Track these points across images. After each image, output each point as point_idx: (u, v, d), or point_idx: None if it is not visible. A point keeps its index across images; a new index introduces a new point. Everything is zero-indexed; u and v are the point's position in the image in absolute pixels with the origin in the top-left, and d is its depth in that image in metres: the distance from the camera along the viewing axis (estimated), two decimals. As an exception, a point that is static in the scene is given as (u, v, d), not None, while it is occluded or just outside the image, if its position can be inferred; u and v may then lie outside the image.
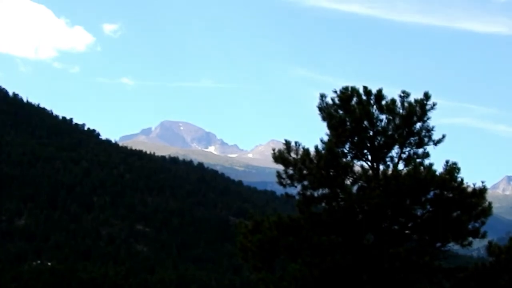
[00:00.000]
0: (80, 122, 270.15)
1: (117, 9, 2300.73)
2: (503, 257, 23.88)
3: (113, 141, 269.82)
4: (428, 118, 24.52)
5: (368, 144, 24.44)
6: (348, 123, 24.32)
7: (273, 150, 25.17)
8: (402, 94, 24.46)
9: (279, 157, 24.73)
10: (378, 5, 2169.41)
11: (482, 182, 24.36)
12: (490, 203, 24.66)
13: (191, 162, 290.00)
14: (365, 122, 24.35)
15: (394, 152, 24.55)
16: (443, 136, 24.65)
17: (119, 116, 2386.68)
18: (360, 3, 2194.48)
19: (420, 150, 24.56)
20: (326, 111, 24.70)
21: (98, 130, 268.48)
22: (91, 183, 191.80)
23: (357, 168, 24.42)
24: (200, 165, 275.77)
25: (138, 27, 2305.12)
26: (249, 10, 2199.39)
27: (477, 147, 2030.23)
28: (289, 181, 24.79)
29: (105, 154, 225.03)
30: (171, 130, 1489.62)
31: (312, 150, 23.96)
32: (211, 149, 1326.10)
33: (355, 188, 24.31)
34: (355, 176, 24.29)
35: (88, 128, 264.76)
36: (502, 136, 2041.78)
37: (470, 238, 24.31)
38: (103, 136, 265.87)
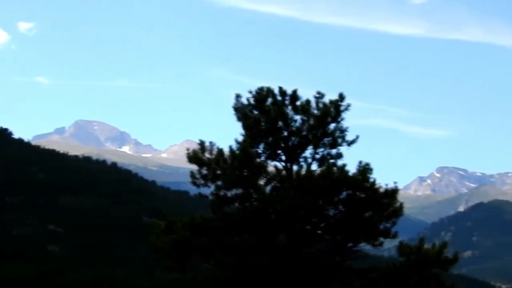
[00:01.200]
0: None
1: (33, 7, 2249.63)
2: (413, 257, 24.32)
3: (25, 140, 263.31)
4: (342, 119, 24.77)
5: (283, 145, 24.52)
6: (263, 124, 24.39)
7: (187, 150, 25.04)
8: (317, 95, 24.64)
9: (193, 157, 24.65)
10: (296, 6, 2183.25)
11: (394, 183, 24.82)
12: (401, 204, 25.06)
13: (104, 161, 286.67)
14: (280, 123, 24.44)
15: (308, 152, 24.71)
16: (357, 137, 24.98)
17: (33, 116, 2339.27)
18: (278, 4, 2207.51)
19: (334, 151, 24.76)
20: (241, 111, 24.69)
21: (11, 129, 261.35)
22: (3, 183, 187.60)
23: (271, 168, 24.47)
24: (114, 164, 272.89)
25: (54, 25, 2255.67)
26: (167, 9, 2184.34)
27: (390, 148, 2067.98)
28: (202, 181, 24.70)
29: (17, 154, 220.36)
30: (85, 130, 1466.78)
31: (226, 151, 23.91)
32: (125, 149, 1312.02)
33: (268, 188, 24.38)
34: (268, 177, 24.40)
35: (1, 127, 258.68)
36: (414, 137, 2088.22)
37: (382, 238, 24.68)
38: (16, 135, 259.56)
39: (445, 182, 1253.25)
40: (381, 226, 24.58)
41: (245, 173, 23.78)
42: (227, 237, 23.35)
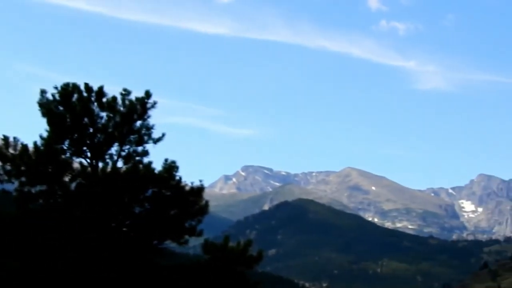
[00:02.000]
0: None
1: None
2: (219, 255, 24.81)
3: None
4: (148, 117, 24.94)
5: (88, 141, 24.37)
6: (68, 120, 24.12)
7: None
8: (123, 92, 24.67)
9: (-4, 152, 23.84)
10: (103, 2, 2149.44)
11: (200, 181, 25.28)
12: (207, 202, 25.58)
13: None
14: (86, 119, 24.28)
15: (114, 149, 24.69)
16: (163, 135, 25.25)
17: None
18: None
19: (140, 148, 24.89)
20: (46, 107, 24.25)
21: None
22: None
23: (76, 165, 24.18)
24: None
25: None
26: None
27: (196, 146, 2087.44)
28: (6, 177, 24.02)
29: None
30: None
31: (31, 146, 23.33)
32: None
33: (73, 185, 24.04)
34: (74, 173, 24.13)
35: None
36: (220, 136, 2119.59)
37: (187, 236, 25.06)
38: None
39: (250, 180, 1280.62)
40: (187, 224, 24.94)
41: (49, 169, 23.43)
42: (31, 234, 22.83)
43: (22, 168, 23.40)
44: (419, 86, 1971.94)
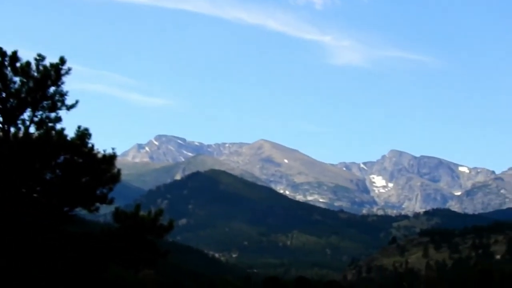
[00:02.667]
0: None
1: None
2: (129, 224, 25.07)
3: None
4: (62, 83, 24.66)
5: (0, 106, 23.91)
6: (-21, 83, 23.64)
7: None
8: (37, 57, 24.35)
9: None
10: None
11: (112, 149, 25.35)
12: (119, 170, 25.70)
13: None
14: (-2, 84, 23.79)
15: (27, 115, 24.35)
16: (77, 102, 25.08)
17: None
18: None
19: (53, 114, 24.60)
20: None
21: None
22: None
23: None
24: None
25: None
26: None
27: (109, 114, 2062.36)
28: None
29: None
30: None
31: None
32: None
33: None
34: (-15, 138, 23.73)
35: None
36: (134, 104, 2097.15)
37: (98, 204, 25.08)
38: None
39: (163, 150, 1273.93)
40: (98, 192, 24.99)
41: None
42: None
43: None
44: (334, 61, 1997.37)
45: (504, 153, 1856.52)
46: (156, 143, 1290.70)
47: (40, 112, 24.63)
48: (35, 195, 24.80)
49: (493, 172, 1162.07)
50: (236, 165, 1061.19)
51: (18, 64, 24.25)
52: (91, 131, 24.79)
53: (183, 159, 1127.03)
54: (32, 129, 24.36)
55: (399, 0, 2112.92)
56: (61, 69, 24.74)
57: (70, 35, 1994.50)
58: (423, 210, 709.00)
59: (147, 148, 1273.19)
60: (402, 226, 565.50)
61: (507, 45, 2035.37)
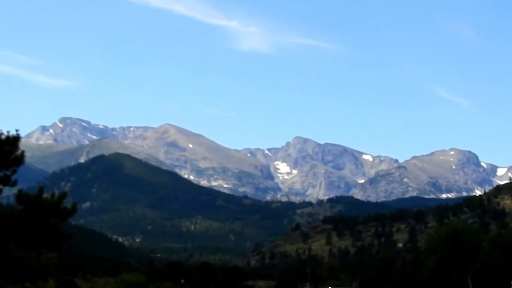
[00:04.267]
0: None
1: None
2: (32, 206, 24.81)
3: None
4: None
5: None
6: None
7: None
8: None
9: None
10: None
11: (16, 131, 25.02)
12: (22, 152, 25.42)
13: None
14: None
15: None
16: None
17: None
18: None
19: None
20: None
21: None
22: None
23: None
24: None
25: None
26: None
27: (12, 95, 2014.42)
28: None
29: None
30: None
31: None
32: None
33: None
34: None
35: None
36: (38, 86, 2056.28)
37: (1, 186, 24.72)
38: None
39: (67, 132, 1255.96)
40: (1, 174, 24.71)
41: None
42: None
43: None
44: (240, 47, 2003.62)
45: (408, 142, 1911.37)
46: (61, 125, 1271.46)
47: None
48: None
49: (396, 160, 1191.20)
50: (140, 149, 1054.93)
51: None
52: None
53: (87, 142, 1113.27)
54: None
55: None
56: None
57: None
58: (327, 197, 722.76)
59: (51, 131, 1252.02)
60: (305, 213, 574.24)
61: (411, 36, 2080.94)
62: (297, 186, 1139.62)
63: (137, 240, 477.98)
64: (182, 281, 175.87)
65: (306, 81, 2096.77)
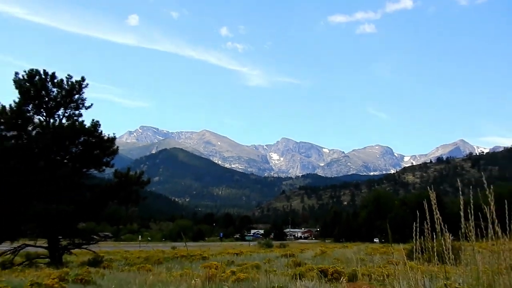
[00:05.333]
0: None
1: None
2: (123, 179, 25.18)
3: None
4: (83, 92, 24.75)
5: (44, 106, 23.86)
6: (32, 92, 23.51)
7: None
8: (67, 76, 24.33)
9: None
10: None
11: (113, 134, 25.50)
12: (117, 147, 25.83)
13: None
14: (43, 92, 23.73)
15: (60, 112, 24.32)
16: (91, 104, 25.19)
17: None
18: None
19: (77, 112, 24.64)
20: (18, 83, 23.50)
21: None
22: None
23: (36, 120, 23.79)
24: None
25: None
26: None
27: (111, 113, 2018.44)
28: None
29: None
30: None
31: (8, 107, 22.69)
32: None
33: (34, 132, 23.68)
34: (34, 125, 23.66)
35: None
36: (126, 106, 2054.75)
37: (104, 167, 25.15)
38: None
39: (144, 135, 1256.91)
40: (104, 159, 25.08)
41: (19, 122, 22.89)
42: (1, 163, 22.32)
43: (2, 120, 22.73)
44: (249, 83, 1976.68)
45: (350, 140, 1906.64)
46: (140, 130, 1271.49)
47: (69, 110, 24.57)
48: (65, 161, 24.72)
49: (343, 152, 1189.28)
50: (189, 145, 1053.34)
51: (55, 80, 24.13)
52: (100, 122, 24.97)
53: (156, 141, 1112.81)
54: (64, 121, 24.27)
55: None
56: (82, 84, 24.65)
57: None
58: (301, 174, 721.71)
59: (134, 134, 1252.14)
60: (288, 184, 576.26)
61: (351, 73, 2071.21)
62: (283, 168, 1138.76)
63: (187, 200, 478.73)
64: (214, 224, 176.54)
65: (288, 103, 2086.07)
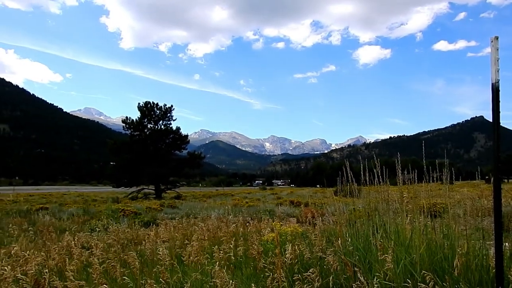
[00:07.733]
0: None
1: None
2: (192, 156, 24.38)
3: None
4: (171, 112, 23.88)
5: (152, 119, 23.42)
6: (145, 111, 22.89)
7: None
8: (164, 104, 23.67)
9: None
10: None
11: (186, 133, 24.76)
12: (189, 140, 25.16)
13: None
14: (152, 112, 23.20)
15: (161, 122, 23.64)
16: (176, 119, 24.36)
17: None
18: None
19: (169, 122, 23.87)
20: (140, 107, 22.80)
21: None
22: None
23: (149, 126, 23.24)
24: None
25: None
26: None
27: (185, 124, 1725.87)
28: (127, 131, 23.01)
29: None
30: None
31: (134, 120, 22.54)
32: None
33: (147, 132, 23.27)
34: (147, 129, 23.23)
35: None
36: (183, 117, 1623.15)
37: (182, 150, 24.75)
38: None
39: (201, 133, 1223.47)
40: (182, 146, 24.51)
41: (140, 127, 22.82)
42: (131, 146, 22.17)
43: (132, 126, 22.60)
44: (254, 107, 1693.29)
45: (307, 136, 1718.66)
46: (200, 131, 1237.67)
47: (165, 121, 24.13)
48: (163, 147, 24.41)
49: (301, 142, 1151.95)
50: (224, 139, 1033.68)
51: (158, 106, 23.81)
52: (180, 127, 24.44)
53: (208, 136, 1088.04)
54: (162, 127, 23.98)
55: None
56: (171, 108, 24.17)
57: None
58: (280, 153, 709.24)
59: (197, 133, 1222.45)
60: (274, 158, 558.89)
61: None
62: (272, 150, 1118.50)
63: (223, 166, 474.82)
64: (237, 178, 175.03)
65: (273, 119, 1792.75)
